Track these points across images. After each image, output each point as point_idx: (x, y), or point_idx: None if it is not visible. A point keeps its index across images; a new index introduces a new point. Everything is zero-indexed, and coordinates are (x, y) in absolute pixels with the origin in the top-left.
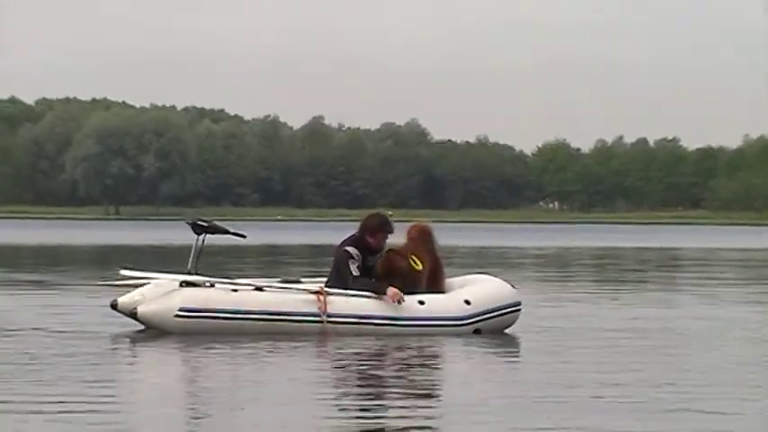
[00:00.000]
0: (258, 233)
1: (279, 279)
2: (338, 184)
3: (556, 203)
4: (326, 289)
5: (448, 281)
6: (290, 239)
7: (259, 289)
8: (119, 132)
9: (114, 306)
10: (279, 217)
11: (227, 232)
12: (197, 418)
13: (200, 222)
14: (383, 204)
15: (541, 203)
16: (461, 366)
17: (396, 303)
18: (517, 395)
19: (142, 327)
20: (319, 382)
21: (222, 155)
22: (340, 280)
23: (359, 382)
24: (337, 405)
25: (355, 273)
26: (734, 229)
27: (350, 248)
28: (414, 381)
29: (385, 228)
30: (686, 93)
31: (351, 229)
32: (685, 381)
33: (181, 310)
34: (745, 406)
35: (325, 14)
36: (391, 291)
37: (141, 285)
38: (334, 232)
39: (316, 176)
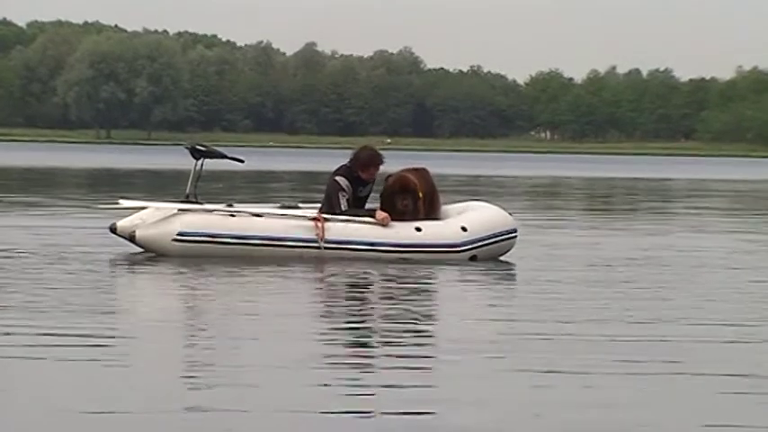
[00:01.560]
0: (250, 159)
1: (278, 205)
2: (330, 112)
3: (548, 133)
4: (324, 215)
5: (445, 207)
6: (281, 166)
7: (257, 215)
8: (111, 57)
9: (114, 230)
10: (270, 143)
11: (224, 157)
12: (193, 346)
13: (198, 147)
14: (375, 132)
15: (533, 133)
16: (455, 297)
17: (383, 225)
18: (507, 332)
19: (140, 250)
20: (313, 312)
21: (215, 81)
22: (331, 209)
23: (352, 312)
24: (330, 337)
25: (343, 206)
26: (726, 160)
27: (340, 179)
28: (407, 313)
29: (376, 161)
30: (679, 24)
31: (342, 157)
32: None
33: (179, 234)
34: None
35: None
36: (380, 214)
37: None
38: (326, 159)
39: (308, 103)
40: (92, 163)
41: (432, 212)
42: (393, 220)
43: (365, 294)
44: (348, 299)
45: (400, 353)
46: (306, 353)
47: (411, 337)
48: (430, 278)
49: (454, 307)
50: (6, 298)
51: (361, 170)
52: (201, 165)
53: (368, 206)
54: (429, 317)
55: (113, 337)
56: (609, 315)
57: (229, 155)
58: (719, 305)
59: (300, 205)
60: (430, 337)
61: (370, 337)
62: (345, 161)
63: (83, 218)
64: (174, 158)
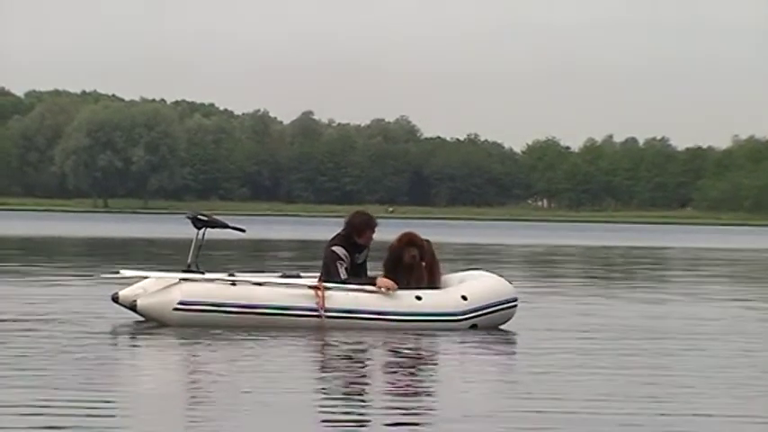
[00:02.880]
0: (247, 228)
1: (279, 274)
2: (327, 180)
3: (545, 201)
4: (325, 284)
5: (446, 277)
6: (278, 234)
7: (258, 283)
8: (108, 125)
9: (116, 299)
10: (267, 212)
11: (226, 227)
12: (195, 417)
13: (200, 216)
14: (371, 201)
15: (530, 201)
16: (455, 366)
17: (386, 292)
18: (506, 408)
19: (142, 319)
20: (314, 379)
21: (212, 149)
22: (330, 279)
23: (354, 380)
24: (331, 406)
25: (343, 275)
26: (723, 229)
27: (337, 249)
28: (408, 382)
29: (371, 224)
30: (676, 93)
31: (339, 226)
32: (672, 387)
33: (180, 303)
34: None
35: (316, 11)
36: (382, 281)
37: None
38: (323, 228)
39: (305, 172)
40: (90, 232)
41: (432, 282)
42: (401, 275)
43: (365, 364)
44: (347, 369)
45: (398, 426)
46: (306, 427)
47: (409, 411)
48: (429, 348)
49: (453, 379)
50: (11, 368)
51: (357, 235)
52: (203, 234)
53: (369, 274)
54: (427, 389)
55: (113, 412)
56: (608, 390)
57: (231, 224)
58: (723, 375)
59: (302, 274)
60: (428, 411)
61: (367, 409)
62: (340, 229)
63: (83, 287)
64: (172, 227)
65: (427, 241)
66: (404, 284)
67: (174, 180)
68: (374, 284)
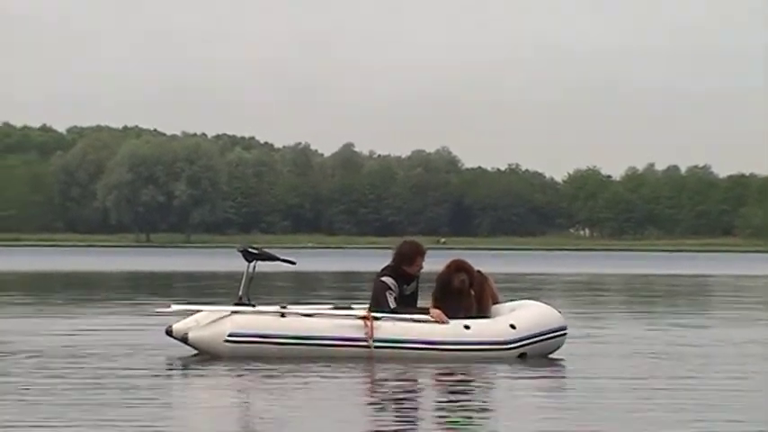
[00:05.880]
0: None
1: (330, 306)
2: (368, 212)
3: (586, 230)
4: (373, 314)
5: (495, 306)
6: (320, 267)
7: (307, 315)
8: (150, 160)
9: (169, 332)
10: (309, 244)
11: (276, 259)
12: None
13: (250, 250)
14: (413, 232)
15: (572, 230)
16: (503, 398)
17: (439, 323)
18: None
19: (194, 351)
20: (365, 407)
21: (253, 182)
22: (379, 309)
23: (404, 409)
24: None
25: (392, 305)
26: (766, 256)
27: (386, 279)
28: (456, 414)
29: (420, 250)
30: (717, 120)
31: (380, 257)
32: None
33: (230, 335)
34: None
35: (356, 44)
36: (434, 312)
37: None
38: (365, 259)
39: (346, 204)
40: (133, 266)
41: (481, 311)
42: (450, 302)
43: (414, 395)
44: (397, 400)
45: None
46: None
47: None
48: (479, 377)
49: (502, 409)
50: (68, 399)
51: (407, 263)
52: (254, 267)
53: (419, 304)
54: (477, 419)
55: None
56: (654, 417)
57: (281, 257)
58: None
59: (353, 306)
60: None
61: None
62: (386, 261)
63: (132, 322)
64: (214, 261)
65: (479, 272)
66: (453, 311)
67: (216, 213)
68: (425, 313)
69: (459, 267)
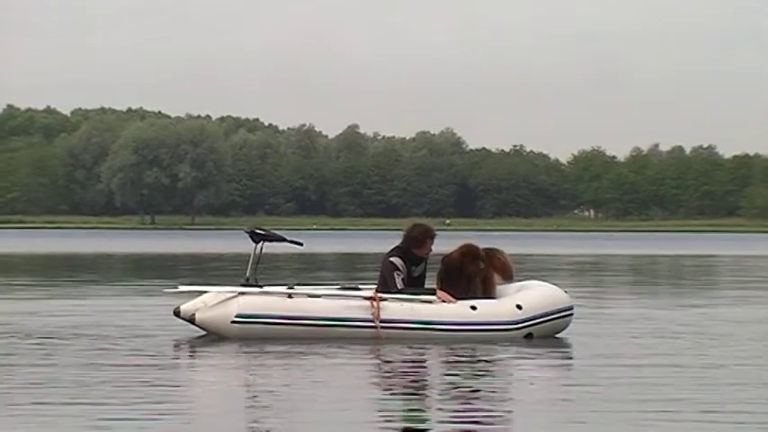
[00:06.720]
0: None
1: (338, 286)
2: (373, 194)
3: (591, 211)
4: (379, 295)
5: (501, 287)
6: (324, 248)
7: (314, 296)
8: (154, 142)
9: (177, 313)
10: (314, 226)
11: (284, 240)
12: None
13: (257, 231)
14: (417, 213)
15: (576, 212)
16: (512, 373)
17: (444, 303)
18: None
19: (202, 332)
20: (372, 387)
21: (257, 165)
22: (386, 289)
23: (411, 388)
24: (389, 412)
25: (399, 285)
26: None
27: (395, 259)
28: (463, 395)
29: (430, 233)
30: (722, 100)
31: (384, 238)
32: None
33: (237, 316)
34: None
35: (361, 25)
36: (441, 294)
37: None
38: (369, 241)
39: (350, 186)
40: (138, 248)
41: (487, 292)
42: (459, 287)
43: (421, 376)
44: (404, 379)
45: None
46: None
47: (466, 420)
48: (485, 357)
49: (509, 388)
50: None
51: (416, 247)
52: (261, 248)
53: (427, 285)
54: (484, 399)
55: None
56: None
57: (288, 238)
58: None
59: (361, 286)
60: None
61: (427, 421)
62: (393, 243)
63: (138, 303)
64: (219, 242)
65: (488, 249)
66: (459, 293)
67: (221, 196)
68: (432, 294)
69: (475, 255)
